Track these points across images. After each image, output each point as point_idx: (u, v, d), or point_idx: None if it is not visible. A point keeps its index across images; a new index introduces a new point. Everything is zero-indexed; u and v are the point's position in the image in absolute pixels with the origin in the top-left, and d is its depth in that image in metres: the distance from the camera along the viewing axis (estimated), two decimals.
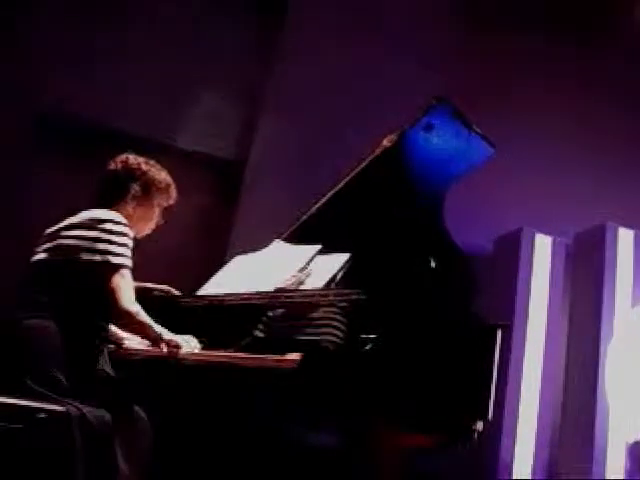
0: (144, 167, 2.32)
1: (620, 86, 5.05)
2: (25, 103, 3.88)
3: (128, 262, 2.13)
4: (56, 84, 3.94)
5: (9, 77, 3.86)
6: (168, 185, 2.36)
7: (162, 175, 2.35)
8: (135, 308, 2.11)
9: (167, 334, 2.16)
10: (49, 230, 2.21)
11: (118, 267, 2.09)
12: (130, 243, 2.15)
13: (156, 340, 2.15)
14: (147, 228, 2.35)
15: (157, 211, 2.35)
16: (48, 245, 2.16)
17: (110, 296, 2.09)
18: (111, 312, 2.12)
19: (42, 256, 2.15)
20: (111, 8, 4.10)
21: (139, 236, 2.30)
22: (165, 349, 2.13)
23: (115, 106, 4.02)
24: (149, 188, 2.31)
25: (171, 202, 2.39)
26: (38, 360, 1.96)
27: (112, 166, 2.32)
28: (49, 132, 3.97)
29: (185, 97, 4.24)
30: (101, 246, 2.09)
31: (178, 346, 2.13)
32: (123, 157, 2.33)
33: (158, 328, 2.15)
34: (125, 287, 2.10)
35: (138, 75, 4.09)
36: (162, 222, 2.39)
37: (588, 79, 4.99)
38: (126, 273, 2.12)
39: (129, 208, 2.26)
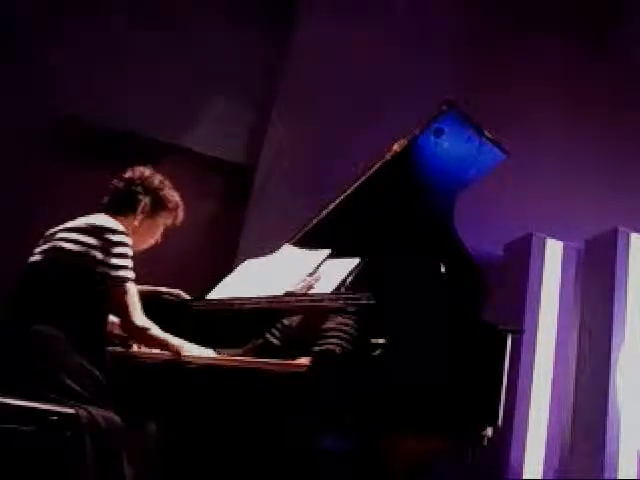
0: (158, 184, 2.35)
1: (632, 89, 5.03)
2: (41, 106, 3.90)
3: (129, 274, 2.14)
4: (71, 87, 3.96)
5: (26, 79, 3.89)
6: (177, 206, 2.39)
7: (174, 196, 2.39)
8: (146, 324, 2.14)
9: (186, 346, 2.15)
10: (48, 232, 2.22)
11: (119, 281, 2.11)
12: (129, 252, 2.15)
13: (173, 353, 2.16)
14: (146, 244, 2.37)
15: (161, 229, 2.38)
16: (44, 247, 2.16)
17: (118, 314, 2.14)
18: (123, 329, 2.17)
19: (37, 258, 2.15)
20: (126, 13, 4.13)
21: (137, 249, 2.29)
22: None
23: (129, 109, 4.04)
24: (158, 205, 2.34)
25: (176, 223, 2.41)
26: (45, 366, 1.96)
27: (128, 174, 2.35)
28: (64, 134, 4.00)
29: (196, 101, 4.25)
30: (99, 255, 2.09)
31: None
32: (141, 169, 2.36)
33: (176, 341, 2.16)
34: (130, 303, 2.12)
35: (151, 79, 4.11)
36: (160, 241, 2.41)
37: (600, 82, 4.97)
38: (129, 287, 2.13)
39: (135, 221, 2.29)
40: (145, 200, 2.30)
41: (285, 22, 4.50)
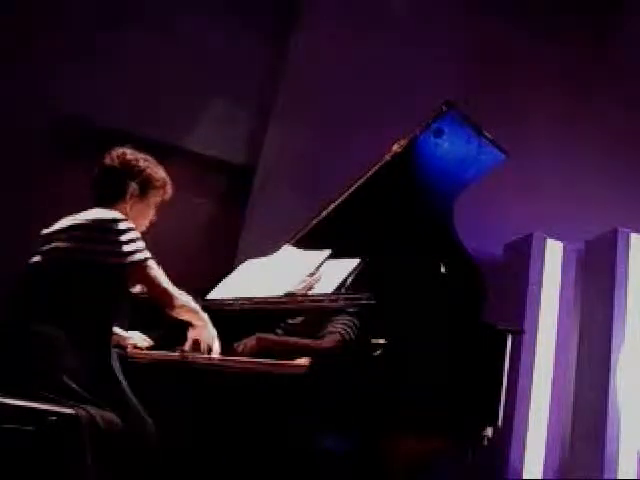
0: (142, 165, 2.28)
1: (632, 89, 5.03)
2: (41, 106, 3.90)
3: (146, 254, 2.13)
4: (71, 87, 3.96)
5: (25, 79, 3.89)
6: (165, 183, 2.33)
7: (160, 173, 2.32)
8: (179, 292, 2.18)
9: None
10: (45, 231, 2.18)
11: (138, 263, 2.10)
12: (137, 235, 2.14)
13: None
14: (142, 226, 2.32)
15: (153, 209, 2.34)
16: (44, 248, 2.13)
17: (148, 290, 2.16)
18: (155, 299, 2.19)
19: (38, 259, 2.13)
20: (127, 14, 4.13)
21: None
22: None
23: (129, 109, 4.04)
24: (147, 187, 2.28)
25: (166, 198, 2.36)
26: (47, 367, 1.96)
27: (108, 161, 2.27)
28: (64, 134, 4.00)
29: (196, 101, 4.25)
30: (107, 248, 2.08)
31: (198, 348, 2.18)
32: (120, 152, 2.29)
33: (204, 316, 2.22)
34: (157, 275, 2.14)
35: (151, 79, 4.11)
36: (155, 220, 2.37)
37: (601, 82, 4.97)
38: (150, 263, 2.13)
39: (127, 207, 2.24)
40: (132, 184, 2.24)
41: (285, 22, 4.50)
